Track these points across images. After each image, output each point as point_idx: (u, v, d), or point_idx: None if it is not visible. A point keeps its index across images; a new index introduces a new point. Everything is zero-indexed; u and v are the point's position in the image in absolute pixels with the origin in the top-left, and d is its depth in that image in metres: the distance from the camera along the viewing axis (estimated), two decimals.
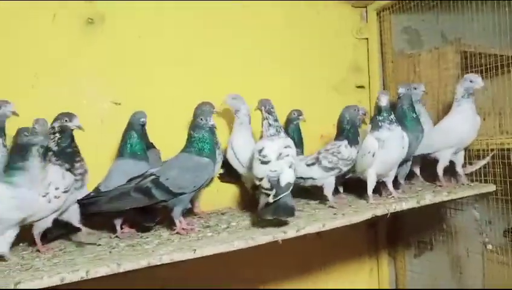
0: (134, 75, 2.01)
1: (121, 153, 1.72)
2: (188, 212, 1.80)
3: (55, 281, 1.16)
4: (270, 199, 1.48)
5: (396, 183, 1.96)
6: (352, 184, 1.98)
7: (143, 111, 1.76)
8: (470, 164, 2.00)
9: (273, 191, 1.49)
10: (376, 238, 2.55)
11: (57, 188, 1.40)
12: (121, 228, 1.64)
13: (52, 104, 1.84)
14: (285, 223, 1.50)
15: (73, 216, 1.54)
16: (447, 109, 2.11)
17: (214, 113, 1.75)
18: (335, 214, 1.65)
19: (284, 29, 2.34)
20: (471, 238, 2.19)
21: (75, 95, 1.91)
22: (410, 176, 2.14)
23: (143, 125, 1.75)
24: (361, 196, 1.87)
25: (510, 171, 1.90)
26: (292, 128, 2.06)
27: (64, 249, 1.51)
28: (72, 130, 1.50)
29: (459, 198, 1.88)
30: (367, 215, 1.60)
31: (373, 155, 1.70)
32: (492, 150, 1.95)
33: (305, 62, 2.39)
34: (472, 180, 1.99)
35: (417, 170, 2.15)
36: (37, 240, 1.46)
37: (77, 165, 1.48)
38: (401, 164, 1.90)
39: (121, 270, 1.23)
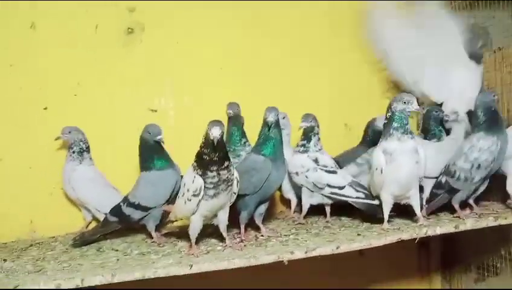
0: (172, 82, 2.05)
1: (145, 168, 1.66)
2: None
3: (51, 286, 1.20)
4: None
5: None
6: None
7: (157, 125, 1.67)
8: None
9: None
10: (428, 259, 2.31)
11: (188, 190, 1.37)
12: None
13: (93, 111, 1.95)
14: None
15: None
16: None
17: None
18: (359, 235, 1.51)
19: (328, 35, 2.22)
20: None
21: (114, 102, 1.99)
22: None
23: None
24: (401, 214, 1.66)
25: None
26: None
27: (85, 252, 1.56)
28: (212, 139, 1.30)
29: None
30: (391, 239, 1.43)
31: (381, 172, 1.49)
32: None
33: (352, 69, 2.24)
34: None
35: None
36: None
37: (210, 173, 1.33)
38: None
39: (115, 280, 1.24)
